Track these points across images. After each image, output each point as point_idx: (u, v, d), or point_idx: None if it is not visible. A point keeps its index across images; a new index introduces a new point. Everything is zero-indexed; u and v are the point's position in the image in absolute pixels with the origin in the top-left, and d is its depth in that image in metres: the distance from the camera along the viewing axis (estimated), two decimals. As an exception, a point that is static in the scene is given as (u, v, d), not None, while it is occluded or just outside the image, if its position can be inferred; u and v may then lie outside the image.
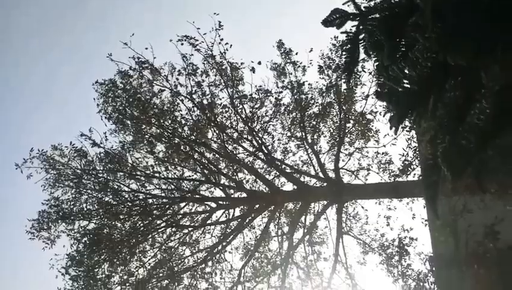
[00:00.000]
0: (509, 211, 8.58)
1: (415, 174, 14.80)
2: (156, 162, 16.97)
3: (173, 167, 17.27)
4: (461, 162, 3.67)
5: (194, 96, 16.10)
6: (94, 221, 16.20)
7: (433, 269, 9.43)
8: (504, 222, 7.96)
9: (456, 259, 8.56)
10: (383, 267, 15.49)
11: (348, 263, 16.06)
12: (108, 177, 16.67)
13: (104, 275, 15.48)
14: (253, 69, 15.38)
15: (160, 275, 16.25)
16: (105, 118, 16.54)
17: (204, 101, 16.35)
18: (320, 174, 16.41)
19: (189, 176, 17.41)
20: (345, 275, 16.00)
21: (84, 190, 16.47)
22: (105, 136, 16.10)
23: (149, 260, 16.27)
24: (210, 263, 16.76)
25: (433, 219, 10.10)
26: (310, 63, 15.71)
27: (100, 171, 16.53)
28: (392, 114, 4.68)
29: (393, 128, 4.67)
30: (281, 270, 16.01)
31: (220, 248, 16.71)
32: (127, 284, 15.86)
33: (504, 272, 8.04)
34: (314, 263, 16.38)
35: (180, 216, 17.19)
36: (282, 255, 16.27)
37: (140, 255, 16.20)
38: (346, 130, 16.45)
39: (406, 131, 13.54)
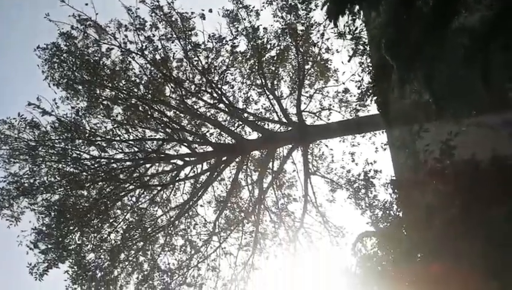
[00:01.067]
0: (464, 127, 8.89)
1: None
2: (115, 126, 16.38)
3: (133, 128, 16.73)
4: (407, 52, 3.60)
5: (146, 52, 15.42)
6: (57, 193, 15.69)
7: (395, 191, 9.74)
8: (459, 136, 8.24)
9: (416, 179, 8.87)
10: (351, 201, 16.05)
11: (318, 202, 16.54)
12: (66, 147, 16.00)
13: (75, 245, 15.21)
14: (203, 16, 14.78)
15: (135, 237, 16.17)
16: (54, 85, 15.66)
17: (157, 57, 15.72)
18: (284, 119, 16.42)
19: (152, 136, 16.98)
20: (316, 214, 16.51)
21: (42, 162, 15.81)
22: (55, 103, 15.27)
23: (121, 224, 16.11)
24: (184, 220, 16.82)
25: (392, 141, 10.35)
26: (263, 7, 15.25)
27: (56, 141, 15.82)
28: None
29: (333, 21, 4.45)
30: (253, 217, 16.28)
31: (191, 203, 16.73)
32: (102, 251, 15.70)
33: (461, 185, 8.39)
34: (286, 206, 16.75)
35: (148, 177, 16.94)
36: (254, 203, 16.50)
37: (111, 220, 15.97)
38: (306, 72, 16.34)
39: (359, 55, 13.45)
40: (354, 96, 15.97)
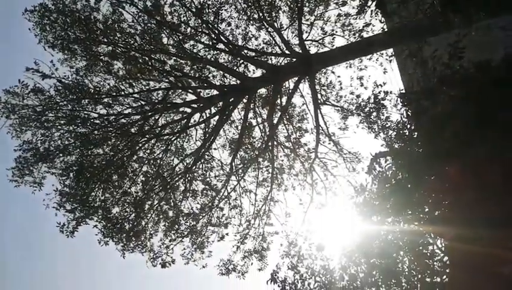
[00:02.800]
0: (473, 30, 8.46)
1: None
2: (118, 81, 16.25)
3: (136, 81, 16.57)
4: None
5: (135, 0, 14.88)
6: (73, 154, 15.95)
7: (406, 104, 9.52)
8: (468, 37, 7.87)
9: (427, 88, 8.62)
10: (363, 126, 15.92)
11: (330, 131, 16.48)
12: (73, 108, 16.02)
13: (99, 201, 15.69)
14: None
15: (155, 187, 16.57)
16: (49, 47, 15.40)
17: (148, 3, 15.17)
18: (286, 51, 15.98)
19: (155, 87, 16.81)
20: (329, 143, 16.51)
21: (53, 127, 15.93)
22: (54, 66, 15.08)
23: (140, 176, 16.45)
24: (200, 165, 17.08)
25: (398, 52, 9.99)
26: None
27: (62, 104, 15.82)
28: None
29: None
30: (268, 154, 16.40)
31: (205, 148, 16.88)
32: (126, 204, 16.20)
33: (472, 89, 8.13)
34: (298, 139, 16.77)
35: (159, 128, 17.02)
36: (266, 140, 16.54)
37: (130, 174, 16.31)
38: (304, -1, 15.60)
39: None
40: (355, 16, 15.24)
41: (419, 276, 8.56)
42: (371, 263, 9.31)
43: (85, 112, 16.07)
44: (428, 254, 8.65)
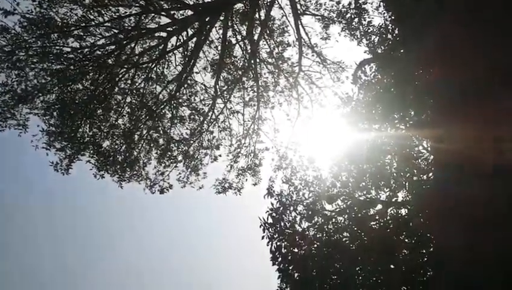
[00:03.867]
0: None
1: None
2: (85, 10, 15.27)
3: (105, 9, 15.59)
4: None
5: None
6: (53, 92, 15.53)
7: (388, 7, 9.29)
8: None
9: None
10: (346, 34, 15.57)
11: (312, 42, 16.16)
12: (44, 44, 15.24)
13: (88, 137, 15.68)
14: None
15: (142, 117, 16.51)
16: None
17: None
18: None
19: (126, 13, 15.89)
20: (312, 54, 16.28)
21: (26, 66, 15.27)
22: (14, 1, 14.01)
23: (125, 108, 16.28)
24: (184, 91, 16.89)
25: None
26: None
27: (31, 41, 15.00)
28: None
29: None
30: (251, 72, 16.20)
31: (187, 73, 16.55)
32: (115, 137, 16.23)
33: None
34: (281, 54, 16.47)
35: (137, 57, 16.47)
36: (248, 58, 16.22)
37: (114, 106, 16.11)
38: None
39: None
40: None
41: (407, 176, 9.08)
42: (360, 168, 9.80)
43: (57, 48, 15.33)
44: (415, 155, 9.10)
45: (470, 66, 7.56)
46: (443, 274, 8.14)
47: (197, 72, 16.65)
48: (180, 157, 16.83)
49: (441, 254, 8.18)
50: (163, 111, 16.82)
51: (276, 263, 9.41)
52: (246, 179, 17.12)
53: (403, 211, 9.40)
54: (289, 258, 9.39)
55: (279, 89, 16.83)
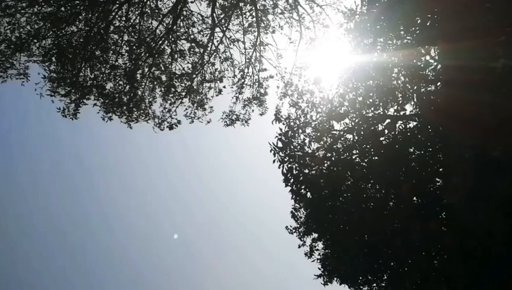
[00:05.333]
0: None
1: None
2: None
3: None
4: None
5: None
6: (48, 37, 15.14)
7: None
8: None
9: None
10: None
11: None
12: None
13: (91, 79, 15.53)
14: None
15: (142, 55, 16.17)
16: None
17: None
18: None
19: None
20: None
21: (16, 12, 14.77)
22: None
23: (123, 47, 15.90)
24: (181, 23, 16.32)
25: None
26: None
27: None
28: None
29: None
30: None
31: (182, 3, 15.86)
32: (117, 77, 16.04)
33: None
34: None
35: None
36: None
37: (112, 46, 15.74)
38: None
39: None
40: None
41: (415, 88, 8.94)
42: (367, 85, 9.65)
43: (44, -11, 14.69)
44: (422, 66, 8.87)
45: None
46: (453, 181, 8.31)
47: (191, 2, 15.96)
48: (184, 93, 16.70)
49: (449, 163, 8.30)
50: (162, 47, 16.42)
51: (289, 184, 9.65)
52: (253, 110, 17.08)
53: (411, 124, 9.38)
54: (301, 179, 9.61)
55: (279, 11, 16.13)
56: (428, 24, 8.85)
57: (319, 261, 11.38)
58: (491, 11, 7.59)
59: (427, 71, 8.85)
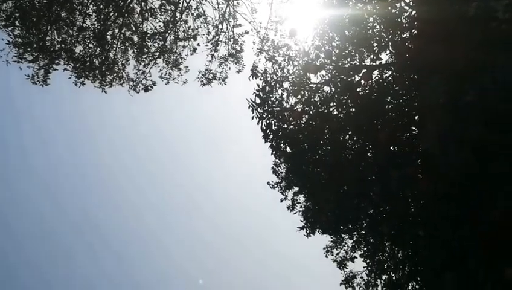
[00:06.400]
0: None
1: None
2: None
3: None
4: None
5: None
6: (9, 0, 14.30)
7: None
8: None
9: None
10: None
11: None
12: None
13: (58, 43, 14.88)
14: None
15: (110, 15, 15.50)
16: None
17: None
18: None
19: None
20: None
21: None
22: None
23: (89, 7, 15.17)
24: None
25: None
26: None
27: None
28: None
29: None
30: None
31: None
32: (86, 40, 15.41)
33: None
34: None
35: None
36: None
37: (78, 7, 15.00)
38: None
39: None
40: None
41: (390, 36, 8.88)
42: (343, 36, 9.54)
43: None
44: (397, 12, 8.78)
45: None
46: (427, 128, 8.48)
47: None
48: (158, 53, 16.22)
49: (424, 109, 8.43)
50: (131, 5, 15.72)
51: (268, 140, 9.69)
52: (229, 68, 16.76)
53: (388, 74, 9.40)
54: (280, 134, 9.65)
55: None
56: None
57: (301, 213, 11.68)
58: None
59: (401, 18, 8.78)
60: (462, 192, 7.77)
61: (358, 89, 9.29)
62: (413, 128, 9.64)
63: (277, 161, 11.26)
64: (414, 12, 8.42)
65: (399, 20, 8.69)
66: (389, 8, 8.72)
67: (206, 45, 16.31)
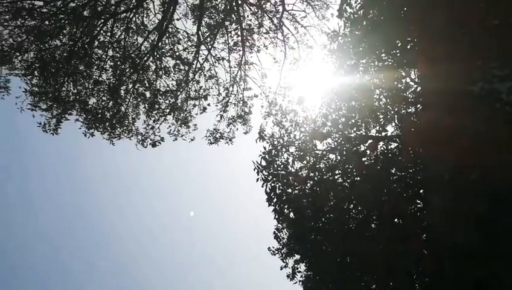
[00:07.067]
0: None
1: None
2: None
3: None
4: None
5: None
6: (30, 50, 14.97)
7: None
8: None
9: None
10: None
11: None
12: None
13: (74, 94, 15.35)
14: None
15: (126, 71, 16.09)
16: None
17: None
18: None
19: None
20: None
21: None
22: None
23: (107, 62, 15.81)
24: (166, 40, 16.35)
25: None
26: None
27: (0, -3, 14.23)
28: None
29: None
30: (234, 15, 15.63)
31: (167, 20, 15.93)
32: (101, 93, 15.89)
33: None
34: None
35: (113, 7, 15.74)
36: None
37: (96, 61, 15.63)
38: None
39: None
40: None
41: (396, 109, 9.06)
42: (350, 106, 9.74)
43: (28, 2, 14.59)
44: (403, 88, 9.02)
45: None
46: (432, 203, 8.36)
47: (177, 19, 16.06)
48: (168, 110, 16.61)
49: (429, 184, 8.37)
50: (147, 63, 16.38)
51: (272, 203, 9.59)
52: (237, 128, 17.07)
53: (393, 145, 9.47)
54: (283, 198, 9.56)
55: (264, 31, 16.33)
56: (408, 47, 9.05)
57: (301, 283, 11.25)
58: (468, 37, 7.80)
59: (407, 93, 9.01)
60: (467, 271, 7.51)
61: (363, 159, 9.32)
62: (418, 201, 9.52)
63: (279, 225, 11.06)
64: (419, 88, 8.66)
65: (405, 94, 8.91)
66: (395, 82, 8.99)
67: (216, 105, 16.73)
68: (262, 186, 9.62)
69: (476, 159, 7.59)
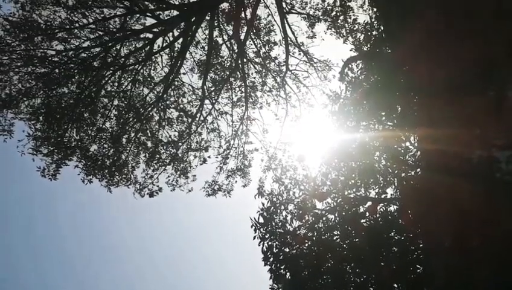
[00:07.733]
0: None
1: None
2: (69, 12, 15.09)
3: (89, 10, 15.43)
4: None
5: None
6: (38, 96, 15.31)
7: (373, 4, 9.31)
8: None
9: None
10: (331, 32, 15.64)
11: (299, 41, 16.17)
12: (28, 47, 15.03)
13: (76, 141, 15.47)
14: None
15: (130, 120, 16.35)
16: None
17: None
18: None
19: (111, 14, 15.74)
20: (299, 53, 16.30)
21: (10, 70, 15.03)
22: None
23: (112, 111, 16.11)
24: (172, 92, 16.77)
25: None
26: None
27: (15, 45, 14.78)
28: None
29: None
30: (239, 72, 16.15)
31: (174, 74, 16.44)
32: (102, 140, 16.04)
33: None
34: (268, 53, 16.45)
35: (123, 59, 16.30)
36: (235, 58, 16.17)
37: (101, 110, 15.93)
38: None
39: None
40: None
41: (395, 172, 9.10)
42: (349, 166, 9.79)
43: (41, 51, 15.14)
44: (402, 151, 9.12)
45: (455, 61, 7.61)
46: (433, 269, 8.17)
47: (184, 73, 16.58)
48: (168, 160, 16.69)
49: (429, 250, 8.22)
50: (150, 113, 16.68)
51: (268, 263, 9.35)
52: (236, 181, 17.06)
53: (392, 208, 9.41)
54: (280, 258, 9.34)
55: (267, 89, 16.82)
56: (407, 112, 9.26)
57: None
58: (468, 104, 8.00)
59: (407, 157, 9.10)
60: None
61: (362, 220, 9.22)
62: (418, 266, 9.30)
63: (275, 285, 10.71)
64: (419, 152, 8.76)
65: (404, 158, 9.01)
66: (395, 145, 9.11)
67: (217, 157, 16.83)
68: (259, 245, 9.44)
69: (477, 226, 7.52)
